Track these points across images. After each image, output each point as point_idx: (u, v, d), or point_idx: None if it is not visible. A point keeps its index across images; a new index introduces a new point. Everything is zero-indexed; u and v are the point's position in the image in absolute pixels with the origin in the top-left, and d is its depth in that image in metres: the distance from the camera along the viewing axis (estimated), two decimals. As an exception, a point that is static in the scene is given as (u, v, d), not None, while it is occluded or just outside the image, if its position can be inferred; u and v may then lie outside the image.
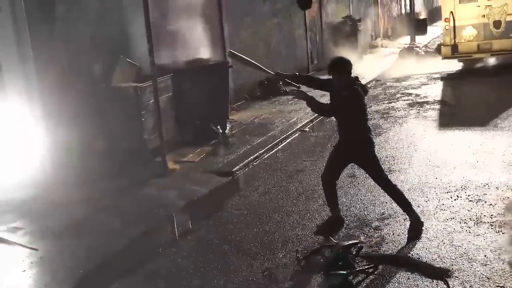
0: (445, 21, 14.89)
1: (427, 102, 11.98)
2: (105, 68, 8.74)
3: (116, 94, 8.58)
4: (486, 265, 4.71)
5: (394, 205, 5.83)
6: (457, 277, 4.57)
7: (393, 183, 5.73)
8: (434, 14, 34.21)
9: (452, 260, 4.84)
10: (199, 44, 10.69)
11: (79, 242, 5.93)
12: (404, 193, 5.77)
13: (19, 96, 7.59)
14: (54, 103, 7.88)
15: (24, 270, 5.33)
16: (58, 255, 5.65)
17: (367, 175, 5.99)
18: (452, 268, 4.71)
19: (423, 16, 29.32)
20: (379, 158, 5.88)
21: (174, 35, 10.18)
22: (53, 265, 5.44)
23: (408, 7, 28.75)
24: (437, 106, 11.53)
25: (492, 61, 15.81)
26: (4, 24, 7.38)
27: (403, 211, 5.65)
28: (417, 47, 20.93)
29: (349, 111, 5.45)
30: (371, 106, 11.70)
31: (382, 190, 5.84)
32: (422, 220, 5.57)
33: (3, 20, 7.36)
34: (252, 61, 6.14)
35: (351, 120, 5.50)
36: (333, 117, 6.15)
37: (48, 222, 6.45)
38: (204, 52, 10.77)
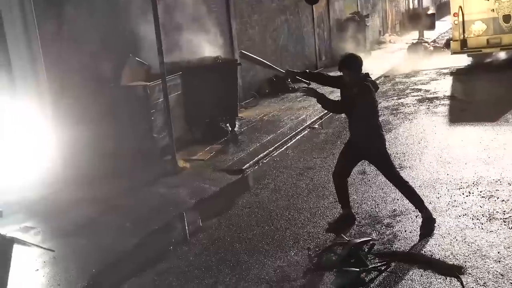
0: (454, 15, 14.78)
1: (437, 98, 11.92)
2: (114, 67, 8.75)
3: (125, 93, 8.60)
4: (499, 261, 4.68)
5: (406, 202, 5.80)
6: (471, 274, 4.55)
7: (405, 179, 5.70)
8: (443, 9, 34.00)
9: (465, 257, 4.82)
10: (207, 42, 10.68)
11: (90, 241, 5.95)
12: (416, 189, 5.73)
13: (29, 96, 7.61)
14: (64, 102, 7.91)
15: (38, 269, 5.36)
16: (71, 254, 5.67)
17: (377, 171, 5.97)
18: (465, 265, 4.68)
19: (431, 11, 29.15)
20: (390, 154, 5.85)
21: (183, 33, 10.18)
22: (66, 264, 5.46)
23: (416, 2, 28.63)
24: (447, 102, 11.47)
25: (502, 55, 15.69)
26: (15, 24, 7.41)
27: (415, 208, 5.62)
28: (425, 42, 20.82)
29: (359, 108, 5.42)
30: (380, 102, 11.62)
31: (393, 187, 5.82)
32: (434, 217, 5.54)
33: (13, 20, 7.39)
34: (263, 60, 6.15)
35: (362, 117, 5.47)
36: (343, 114, 6.13)
37: (60, 221, 6.48)
38: (213, 50, 10.77)
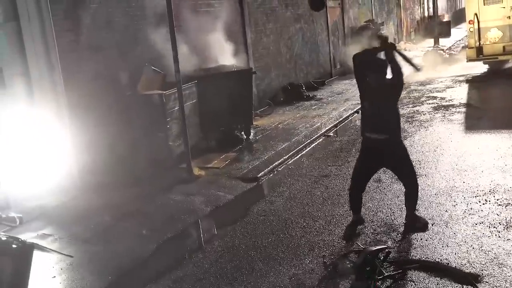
0: (469, 23, 14.75)
1: (453, 105, 11.86)
2: (130, 76, 8.85)
3: (141, 101, 8.67)
4: (517, 270, 4.64)
5: (421, 210, 5.80)
6: (487, 282, 4.51)
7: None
8: (458, 16, 33.88)
9: (482, 265, 4.79)
10: (223, 51, 10.75)
11: (107, 247, 5.99)
12: (432, 197, 5.73)
13: (47, 104, 7.71)
14: (81, 110, 8.00)
15: (54, 276, 5.41)
16: (87, 261, 5.71)
17: (393, 179, 5.97)
18: (482, 274, 4.65)
19: (446, 18, 29.07)
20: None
21: (198, 42, 10.26)
22: (83, 271, 5.50)
23: (431, 10, 28.55)
24: (463, 109, 11.40)
25: (518, 63, 15.60)
26: (33, 34, 7.53)
27: (407, 210, 5.74)
28: (441, 49, 20.78)
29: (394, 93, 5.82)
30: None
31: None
32: (427, 221, 5.69)
33: (32, 30, 7.51)
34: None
35: (393, 103, 5.68)
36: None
37: (76, 228, 6.53)
38: (228, 58, 10.83)
